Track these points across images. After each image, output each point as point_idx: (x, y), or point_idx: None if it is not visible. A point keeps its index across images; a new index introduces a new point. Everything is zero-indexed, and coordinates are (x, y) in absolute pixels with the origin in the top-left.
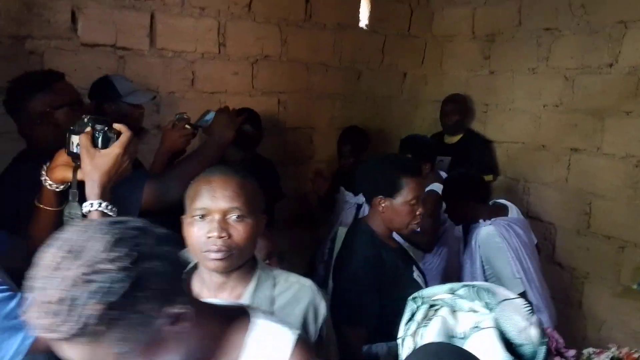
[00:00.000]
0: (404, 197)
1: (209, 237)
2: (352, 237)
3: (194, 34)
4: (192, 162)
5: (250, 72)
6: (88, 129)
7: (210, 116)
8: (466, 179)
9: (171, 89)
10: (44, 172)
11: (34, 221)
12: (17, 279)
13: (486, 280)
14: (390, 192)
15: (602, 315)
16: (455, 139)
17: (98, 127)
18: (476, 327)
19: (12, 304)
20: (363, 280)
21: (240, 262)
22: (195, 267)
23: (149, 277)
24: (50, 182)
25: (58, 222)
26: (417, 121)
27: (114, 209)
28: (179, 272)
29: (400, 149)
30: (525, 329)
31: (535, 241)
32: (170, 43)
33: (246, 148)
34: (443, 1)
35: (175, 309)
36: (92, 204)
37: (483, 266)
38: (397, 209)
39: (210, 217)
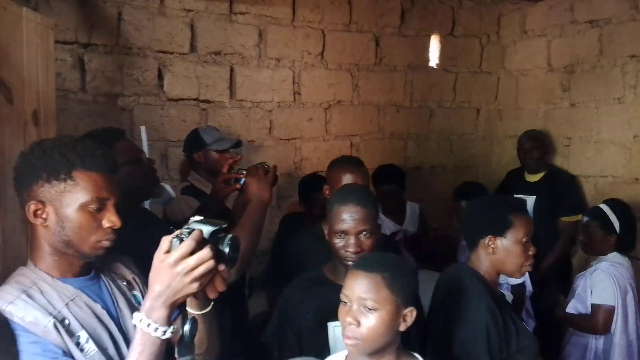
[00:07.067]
0: (514, 235)
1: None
2: (458, 286)
3: (270, 85)
4: (244, 231)
5: (323, 118)
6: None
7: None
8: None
9: (251, 137)
10: None
11: None
12: None
13: None
14: (500, 230)
15: None
16: (538, 176)
17: (184, 231)
18: None
19: None
20: (487, 341)
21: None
22: None
23: None
24: None
25: None
26: (494, 158)
27: (161, 329)
28: None
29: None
30: None
31: None
32: (249, 94)
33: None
34: (515, 35)
35: None
36: (140, 319)
37: None
38: (509, 249)
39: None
